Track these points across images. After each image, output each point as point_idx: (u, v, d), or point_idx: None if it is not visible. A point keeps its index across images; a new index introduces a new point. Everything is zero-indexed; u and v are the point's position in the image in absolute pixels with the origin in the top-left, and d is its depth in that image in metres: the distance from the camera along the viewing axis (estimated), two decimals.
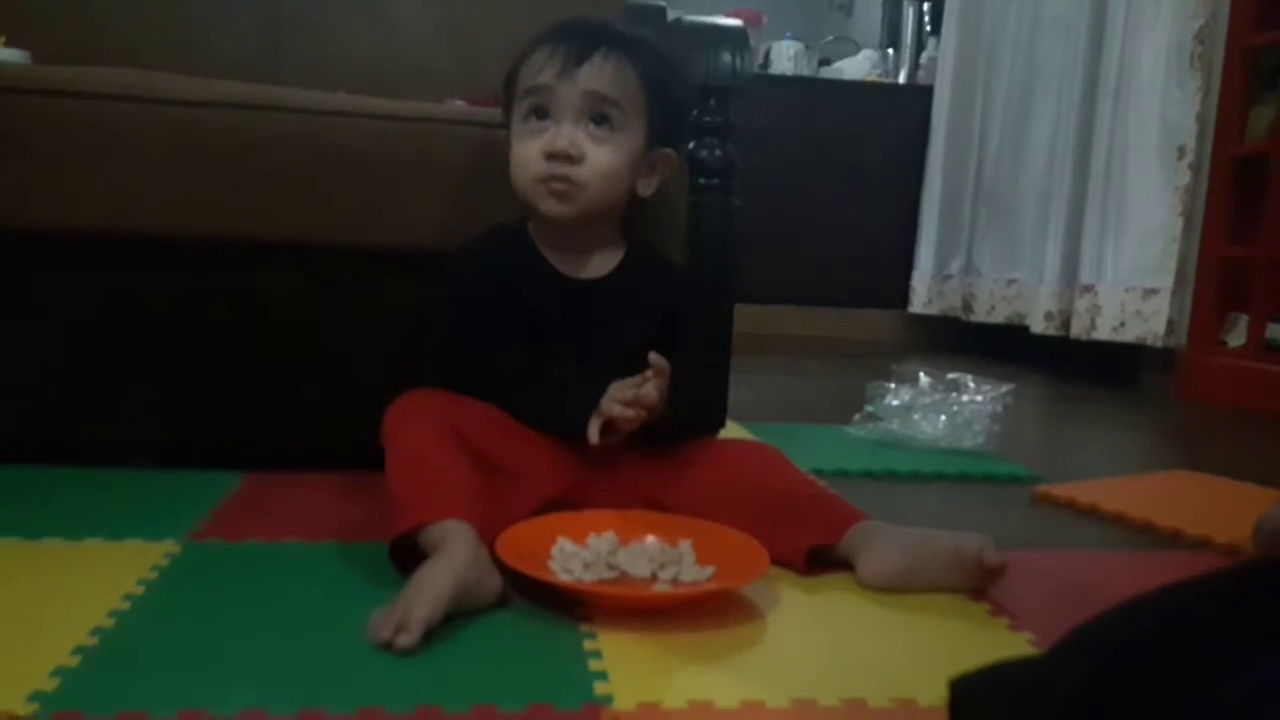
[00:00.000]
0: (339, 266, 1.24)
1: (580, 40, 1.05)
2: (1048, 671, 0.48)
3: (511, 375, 1.06)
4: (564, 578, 0.88)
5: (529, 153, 1.06)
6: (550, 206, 1.06)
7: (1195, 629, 0.42)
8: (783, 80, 3.78)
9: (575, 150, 1.04)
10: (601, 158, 1.06)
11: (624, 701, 0.71)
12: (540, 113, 1.06)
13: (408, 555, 0.89)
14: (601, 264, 1.13)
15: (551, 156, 1.04)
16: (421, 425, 0.99)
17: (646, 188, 1.12)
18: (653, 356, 0.99)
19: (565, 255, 1.12)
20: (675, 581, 0.90)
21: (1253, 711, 0.39)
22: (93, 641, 0.77)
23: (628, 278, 1.13)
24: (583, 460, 1.02)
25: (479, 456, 0.99)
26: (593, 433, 1.00)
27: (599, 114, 1.05)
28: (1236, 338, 2.50)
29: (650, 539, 0.96)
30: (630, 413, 0.99)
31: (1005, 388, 1.70)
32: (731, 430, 1.55)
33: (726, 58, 1.37)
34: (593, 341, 1.09)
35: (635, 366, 1.01)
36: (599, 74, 1.05)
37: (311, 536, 1.04)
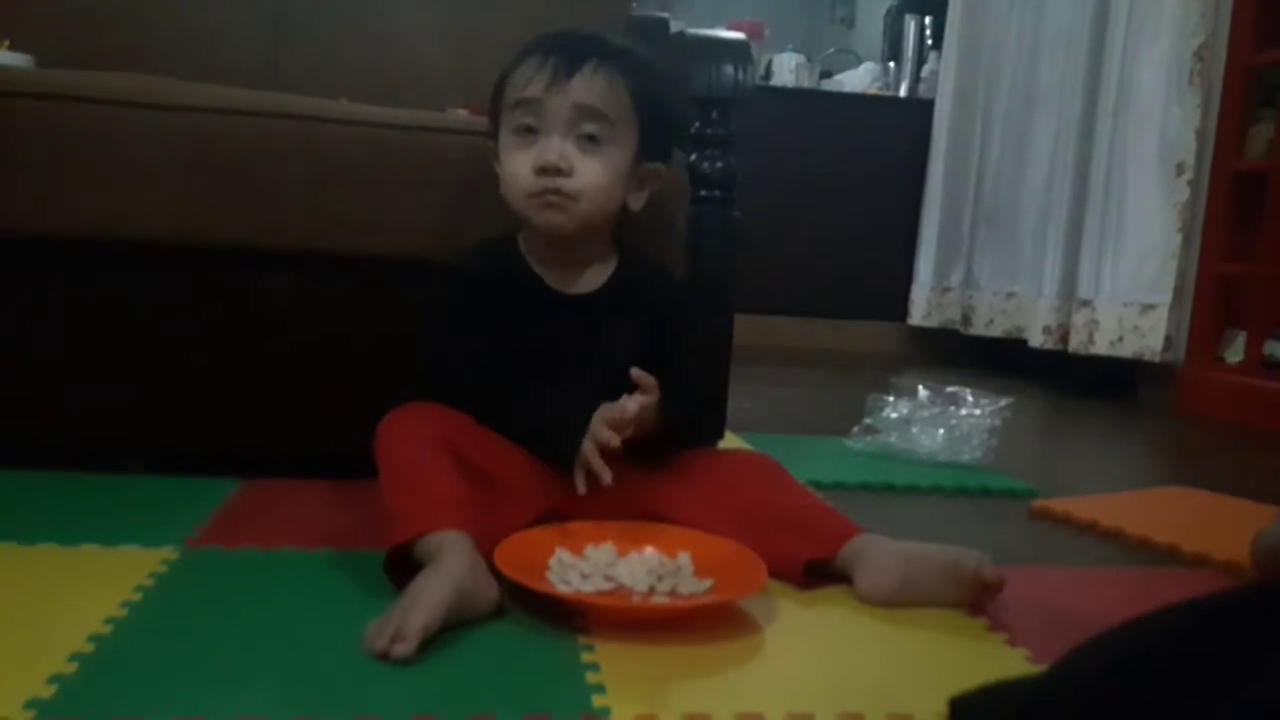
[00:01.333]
0: (338, 273, 1.24)
1: (570, 52, 1.04)
2: (1047, 691, 0.48)
3: (493, 399, 1.05)
4: (562, 589, 0.88)
5: (520, 168, 1.05)
6: (546, 219, 1.06)
7: (1195, 651, 0.42)
8: (784, 92, 3.79)
9: (565, 164, 1.03)
10: (592, 170, 1.05)
11: (621, 713, 0.71)
12: (529, 126, 1.05)
13: (403, 568, 0.89)
14: (594, 277, 1.12)
15: (542, 170, 1.03)
16: (414, 439, 0.99)
17: (636, 201, 1.12)
18: (635, 373, 0.99)
19: (557, 269, 1.11)
20: (673, 594, 0.90)
21: None
22: (89, 648, 0.77)
23: (621, 290, 1.12)
24: (567, 482, 1.02)
25: (472, 469, 0.99)
26: (580, 486, 1.00)
27: (588, 127, 1.05)
28: (1234, 354, 2.50)
29: (648, 550, 0.96)
30: (603, 469, 0.99)
31: (1003, 402, 1.70)
32: (730, 441, 1.55)
33: (728, 70, 1.37)
34: (588, 357, 1.08)
35: (630, 386, 1.02)
36: (589, 86, 1.04)
37: (309, 544, 1.04)
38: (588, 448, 0.99)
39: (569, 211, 1.05)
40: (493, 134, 1.11)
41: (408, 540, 0.89)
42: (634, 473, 1.06)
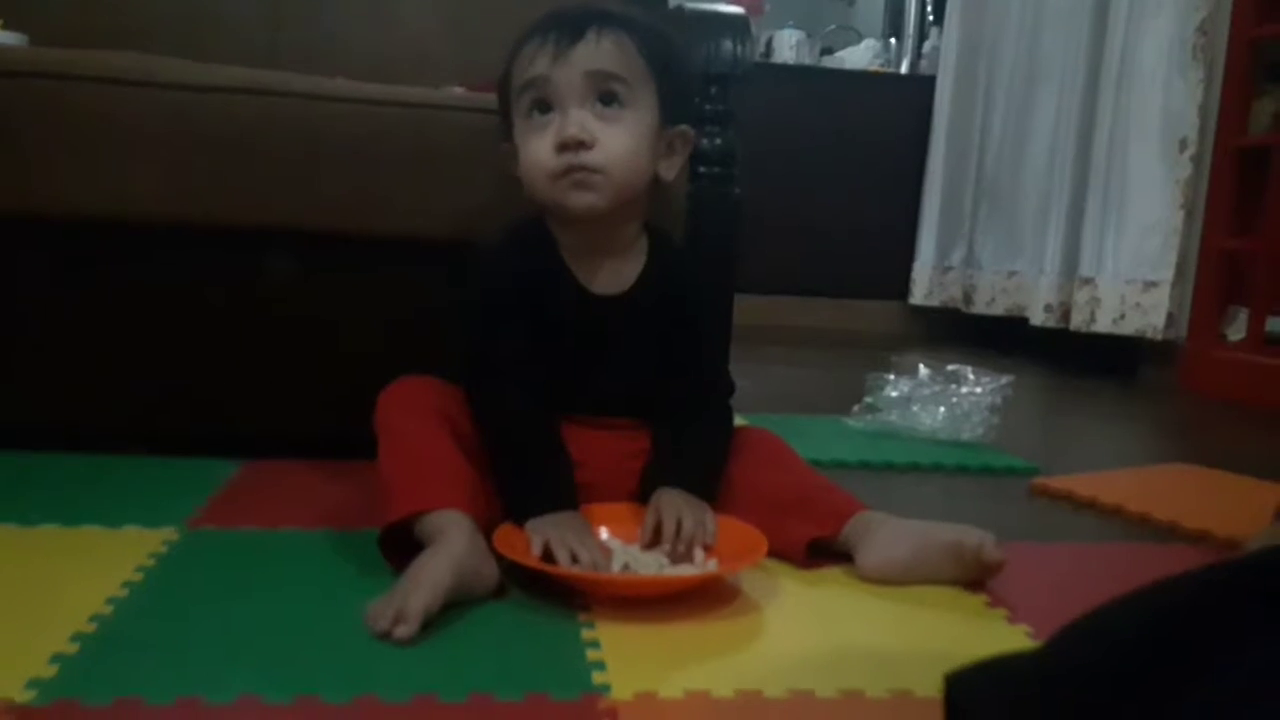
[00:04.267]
0: (337, 253, 1.24)
1: (569, 24, 0.98)
2: (1045, 666, 0.48)
3: (518, 430, 0.99)
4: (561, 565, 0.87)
5: (539, 151, 0.97)
6: (577, 199, 0.98)
7: (1193, 622, 0.42)
8: (784, 69, 3.77)
9: (586, 135, 0.95)
10: (616, 139, 0.97)
11: (621, 691, 0.71)
12: (542, 106, 0.98)
13: (399, 544, 0.89)
14: (625, 272, 1.05)
15: (563, 146, 0.96)
16: (415, 414, 0.98)
17: (668, 170, 1.05)
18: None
19: (588, 260, 1.04)
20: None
21: (1250, 703, 0.39)
22: (91, 628, 0.77)
23: (650, 290, 1.06)
24: (580, 451, 1.02)
25: (472, 447, 0.98)
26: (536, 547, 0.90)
27: (605, 92, 0.97)
28: (1236, 331, 2.49)
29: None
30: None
31: (1004, 380, 1.70)
32: None
33: (728, 45, 1.36)
34: (608, 357, 1.05)
35: (650, 381, 1.03)
36: (596, 51, 0.96)
37: (309, 524, 1.04)
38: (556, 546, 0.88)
39: (599, 188, 0.97)
40: (506, 134, 1.05)
41: (406, 516, 0.89)
42: (637, 452, 1.05)
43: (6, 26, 1.34)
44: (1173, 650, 0.42)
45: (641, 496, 1.00)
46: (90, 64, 1.15)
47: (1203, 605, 0.43)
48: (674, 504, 0.95)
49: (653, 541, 0.94)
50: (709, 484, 1.01)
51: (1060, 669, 0.46)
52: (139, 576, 0.88)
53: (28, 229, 1.17)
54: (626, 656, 0.77)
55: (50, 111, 1.13)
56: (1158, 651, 0.43)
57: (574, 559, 0.87)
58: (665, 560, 0.91)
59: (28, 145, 1.14)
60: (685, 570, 0.90)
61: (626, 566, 0.90)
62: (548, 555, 0.87)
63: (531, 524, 0.91)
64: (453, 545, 0.84)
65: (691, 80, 1.15)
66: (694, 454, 1.03)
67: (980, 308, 3.41)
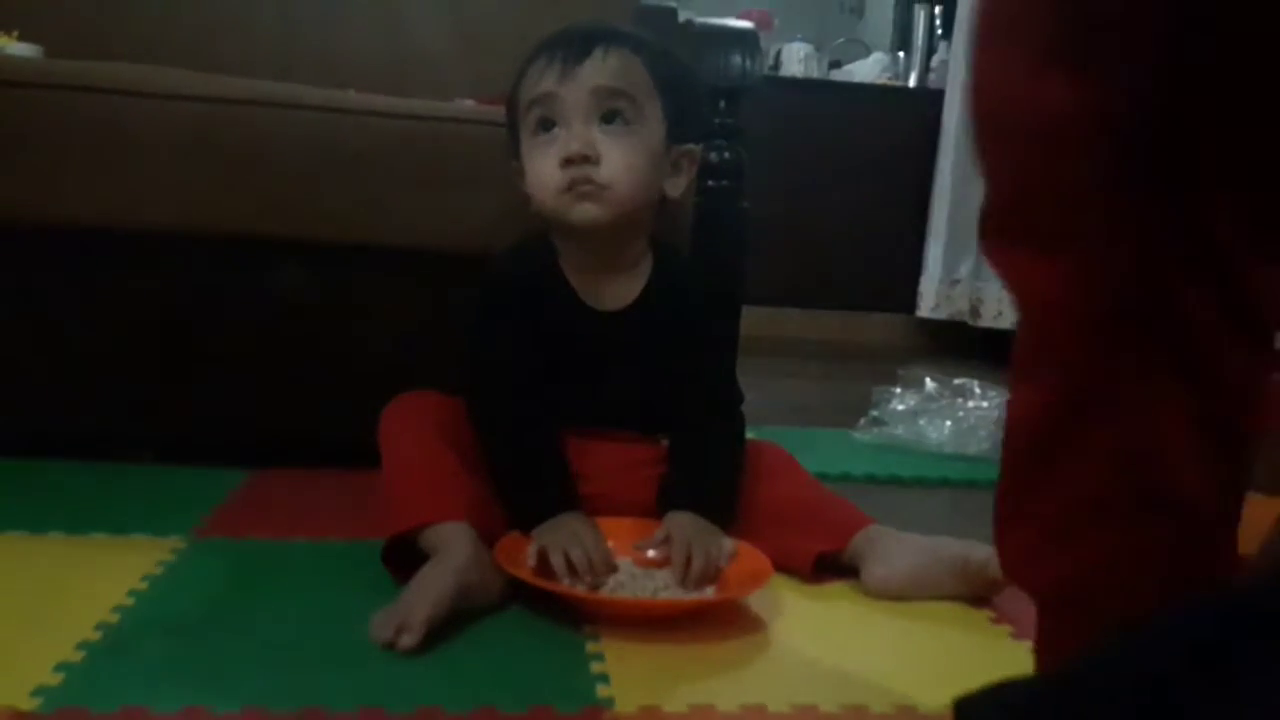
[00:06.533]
0: (347, 264, 1.24)
1: (576, 42, 0.99)
2: (1052, 692, 0.48)
3: (516, 438, 0.99)
4: (565, 583, 0.87)
5: (545, 167, 0.98)
6: (583, 212, 0.98)
7: (1197, 651, 0.42)
8: (793, 82, 3.77)
9: (591, 151, 0.96)
10: (621, 155, 0.97)
11: (625, 704, 0.71)
12: (547, 123, 0.99)
13: (403, 558, 0.89)
14: (628, 288, 1.06)
15: (568, 162, 0.97)
16: (418, 428, 0.98)
17: (674, 188, 1.05)
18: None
19: (592, 276, 1.04)
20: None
21: None
22: (97, 637, 0.77)
23: (653, 304, 1.06)
24: (584, 463, 1.02)
25: (474, 459, 0.98)
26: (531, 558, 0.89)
27: (610, 110, 0.98)
28: None
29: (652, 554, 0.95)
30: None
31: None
32: None
33: (737, 59, 1.36)
34: (613, 372, 1.06)
35: (652, 395, 1.03)
36: (602, 68, 0.97)
37: (315, 534, 1.04)
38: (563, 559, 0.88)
39: (603, 201, 0.97)
40: (514, 151, 1.05)
41: (409, 530, 0.89)
42: (643, 466, 1.05)
43: (21, 38, 1.35)
44: (1177, 679, 0.42)
45: (659, 514, 0.99)
46: (102, 75, 1.16)
47: (1208, 636, 0.43)
48: (686, 533, 0.92)
49: (662, 563, 0.93)
50: (723, 506, 0.99)
51: (1067, 696, 0.46)
52: (145, 585, 0.88)
53: (39, 238, 1.18)
54: (631, 670, 0.77)
55: (63, 122, 1.14)
56: (1162, 681, 0.43)
57: (569, 566, 0.86)
58: (664, 582, 0.90)
59: (41, 156, 1.14)
60: (682, 593, 0.89)
61: (621, 585, 0.89)
62: (545, 562, 0.87)
63: (535, 531, 0.91)
64: (456, 556, 0.85)
65: (698, 99, 1.17)
66: (707, 474, 1.02)
67: (988, 321, 3.40)
